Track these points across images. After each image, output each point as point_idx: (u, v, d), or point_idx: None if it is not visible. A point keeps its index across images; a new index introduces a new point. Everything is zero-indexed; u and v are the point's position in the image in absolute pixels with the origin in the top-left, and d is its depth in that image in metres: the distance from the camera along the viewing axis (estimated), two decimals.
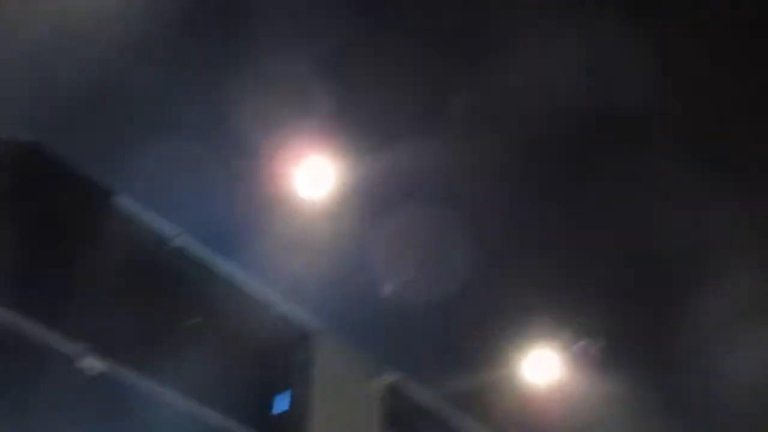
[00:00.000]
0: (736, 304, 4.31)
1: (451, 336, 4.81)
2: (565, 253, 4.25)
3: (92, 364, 2.95)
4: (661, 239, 4.08)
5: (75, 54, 3.20)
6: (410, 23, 3.22)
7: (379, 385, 5.12)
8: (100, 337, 3.30)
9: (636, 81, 3.38)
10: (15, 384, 2.79)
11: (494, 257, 4.27)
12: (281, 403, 4.65)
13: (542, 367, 4.72)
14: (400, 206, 3.96)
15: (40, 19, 3.07)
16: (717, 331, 4.47)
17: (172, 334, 4.11)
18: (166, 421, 3.67)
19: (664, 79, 3.37)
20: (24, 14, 3.05)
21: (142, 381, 3.38)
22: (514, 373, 4.83)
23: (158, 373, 3.55)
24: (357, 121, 3.60)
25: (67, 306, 3.25)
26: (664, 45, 3.26)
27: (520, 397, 4.98)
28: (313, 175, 3.73)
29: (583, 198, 3.96)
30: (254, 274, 4.59)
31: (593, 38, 3.22)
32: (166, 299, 4.20)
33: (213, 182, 3.85)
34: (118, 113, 3.55)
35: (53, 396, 2.92)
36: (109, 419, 3.32)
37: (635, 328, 4.63)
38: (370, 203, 3.97)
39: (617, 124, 3.55)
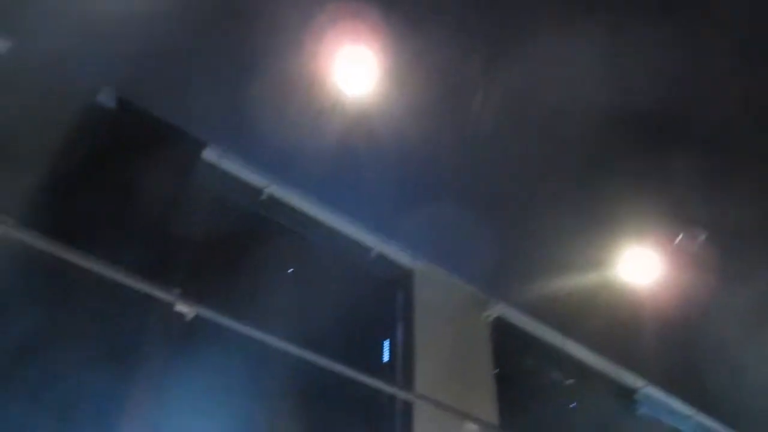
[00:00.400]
0: None
1: (546, 248, 4.54)
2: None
3: (188, 308, 2.99)
4: None
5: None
6: None
7: (486, 320, 5.02)
8: (197, 285, 3.36)
9: (658, 80, 3.38)
10: (124, 329, 2.87)
11: (580, 153, 3.91)
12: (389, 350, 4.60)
13: (642, 268, 4.43)
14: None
15: None
16: None
17: (272, 282, 4.11)
18: (274, 366, 3.71)
19: (687, 78, 3.35)
20: None
21: (244, 327, 3.38)
22: (613, 279, 4.57)
23: (260, 321, 3.53)
24: None
25: (164, 257, 3.29)
26: (687, 44, 3.21)
27: (622, 303, 4.71)
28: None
29: None
30: (348, 217, 4.52)
31: (615, 35, 3.19)
32: (262, 249, 4.19)
33: (293, 122, 3.78)
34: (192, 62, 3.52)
35: (159, 337, 3.03)
36: (213, 362, 3.37)
37: (739, 219, 4.18)
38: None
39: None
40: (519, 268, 4.72)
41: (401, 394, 4.09)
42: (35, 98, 3.24)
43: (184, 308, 2.92)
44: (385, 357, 4.48)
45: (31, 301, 2.65)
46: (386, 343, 4.55)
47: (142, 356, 2.85)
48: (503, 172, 4.03)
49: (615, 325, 4.91)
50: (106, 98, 3.63)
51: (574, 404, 5.42)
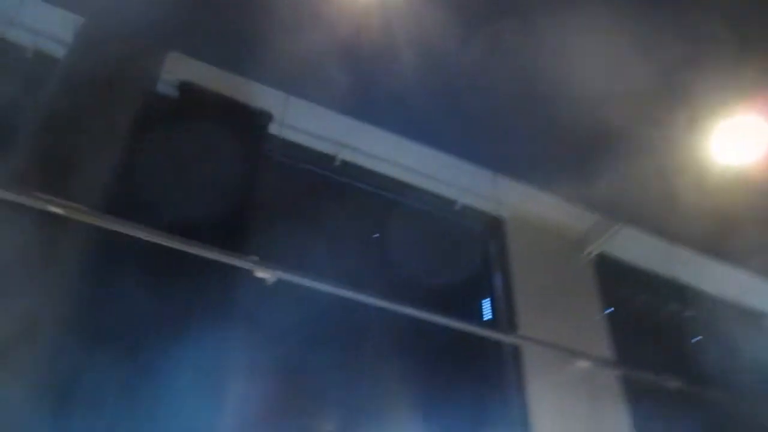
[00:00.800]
0: None
1: (629, 145, 3.83)
2: None
3: (268, 274, 3.00)
4: None
5: None
6: None
7: (588, 258, 4.76)
8: (280, 253, 3.33)
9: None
10: (211, 297, 2.91)
11: None
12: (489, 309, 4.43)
13: (739, 143, 3.62)
14: None
15: None
16: None
17: (360, 245, 4.07)
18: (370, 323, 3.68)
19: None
20: None
21: (337, 289, 3.35)
22: (708, 164, 3.80)
23: (352, 284, 3.46)
24: None
25: (241, 229, 3.32)
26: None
27: (723, 191, 3.91)
28: None
29: None
30: (425, 172, 4.38)
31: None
32: (344, 213, 4.15)
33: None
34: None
35: (244, 302, 3.04)
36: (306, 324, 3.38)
37: None
38: None
39: None
40: (611, 177, 4.12)
41: (508, 339, 3.95)
42: (104, 87, 3.29)
43: (264, 274, 2.92)
44: (487, 315, 4.33)
45: (117, 283, 2.71)
46: (486, 302, 4.39)
47: (233, 322, 2.87)
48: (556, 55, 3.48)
49: (725, 222, 4.21)
50: (169, 86, 3.71)
51: (698, 337, 5.06)
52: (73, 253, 2.64)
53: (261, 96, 3.91)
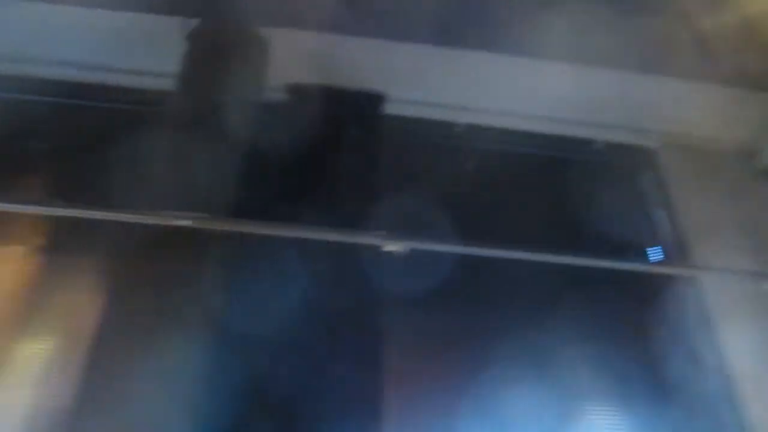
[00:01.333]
0: None
1: None
2: None
3: (397, 246, 2.94)
4: None
5: None
6: None
7: (761, 167, 4.18)
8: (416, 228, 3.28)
9: None
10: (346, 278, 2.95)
11: None
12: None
13: None
14: None
15: None
16: None
17: (500, 206, 3.89)
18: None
19: None
20: None
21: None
22: None
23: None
24: None
25: (368, 209, 3.28)
26: None
27: None
28: None
29: None
30: (554, 116, 4.06)
31: None
32: (475, 177, 3.97)
33: None
34: None
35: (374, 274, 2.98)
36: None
37: None
38: None
39: None
40: None
41: (686, 272, 3.63)
42: (216, 98, 3.37)
43: (393, 247, 2.85)
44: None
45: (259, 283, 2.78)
46: (652, 251, 3.98)
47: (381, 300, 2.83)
48: None
49: None
50: (273, 92, 3.75)
51: None
52: (209, 261, 2.73)
53: (370, 77, 3.88)
